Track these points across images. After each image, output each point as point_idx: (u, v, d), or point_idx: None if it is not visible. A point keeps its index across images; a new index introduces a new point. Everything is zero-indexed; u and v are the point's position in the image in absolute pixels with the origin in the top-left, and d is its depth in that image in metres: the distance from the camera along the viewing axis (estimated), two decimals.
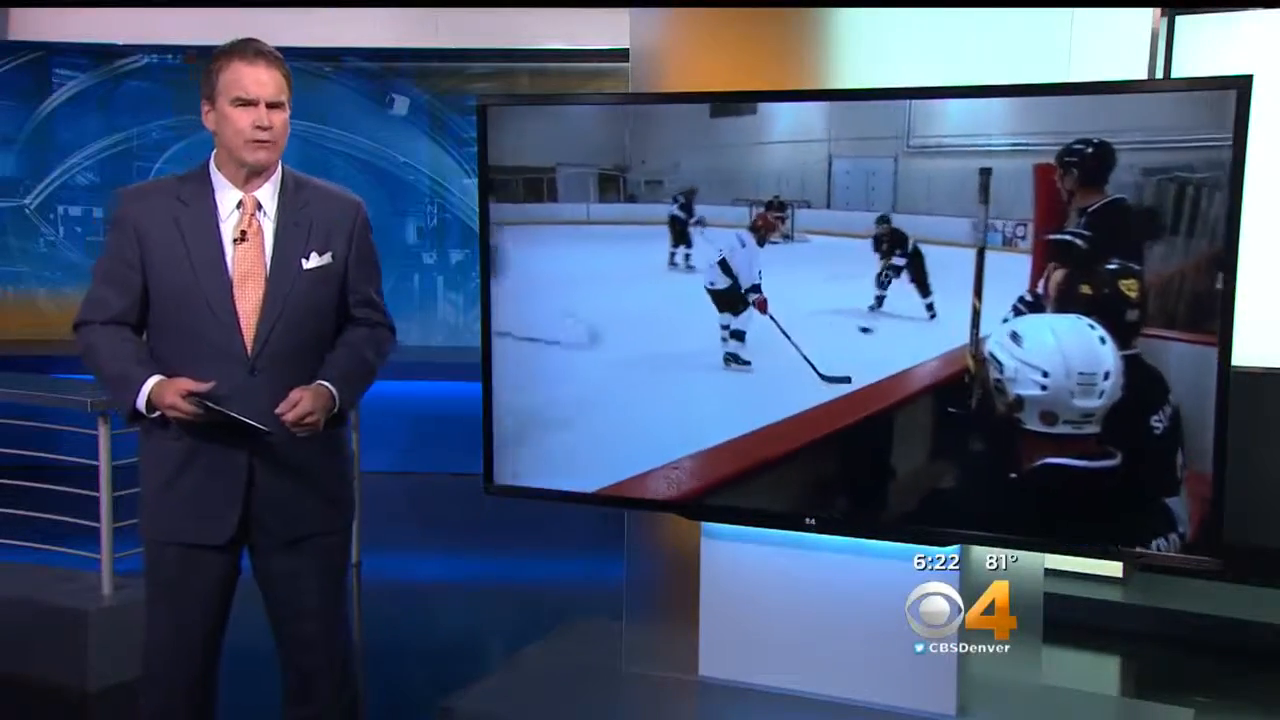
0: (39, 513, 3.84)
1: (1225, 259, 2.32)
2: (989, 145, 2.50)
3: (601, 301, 2.88)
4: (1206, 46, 4.19)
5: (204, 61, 2.44)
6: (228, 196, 2.42)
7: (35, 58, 7.02)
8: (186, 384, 2.31)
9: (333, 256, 2.47)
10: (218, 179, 2.43)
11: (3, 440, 4.03)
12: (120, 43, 6.98)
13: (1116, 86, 2.49)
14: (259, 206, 2.43)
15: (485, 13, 6.83)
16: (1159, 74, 4.14)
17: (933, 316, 2.59)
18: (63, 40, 7.01)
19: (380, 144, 6.98)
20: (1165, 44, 4.21)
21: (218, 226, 2.41)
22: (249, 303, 2.39)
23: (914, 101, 2.56)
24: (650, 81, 3.04)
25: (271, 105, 2.37)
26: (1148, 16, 4.09)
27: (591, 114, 2.96)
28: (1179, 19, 4.23)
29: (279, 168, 2.47)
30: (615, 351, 2.86)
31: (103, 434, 3.63)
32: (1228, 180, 2.29)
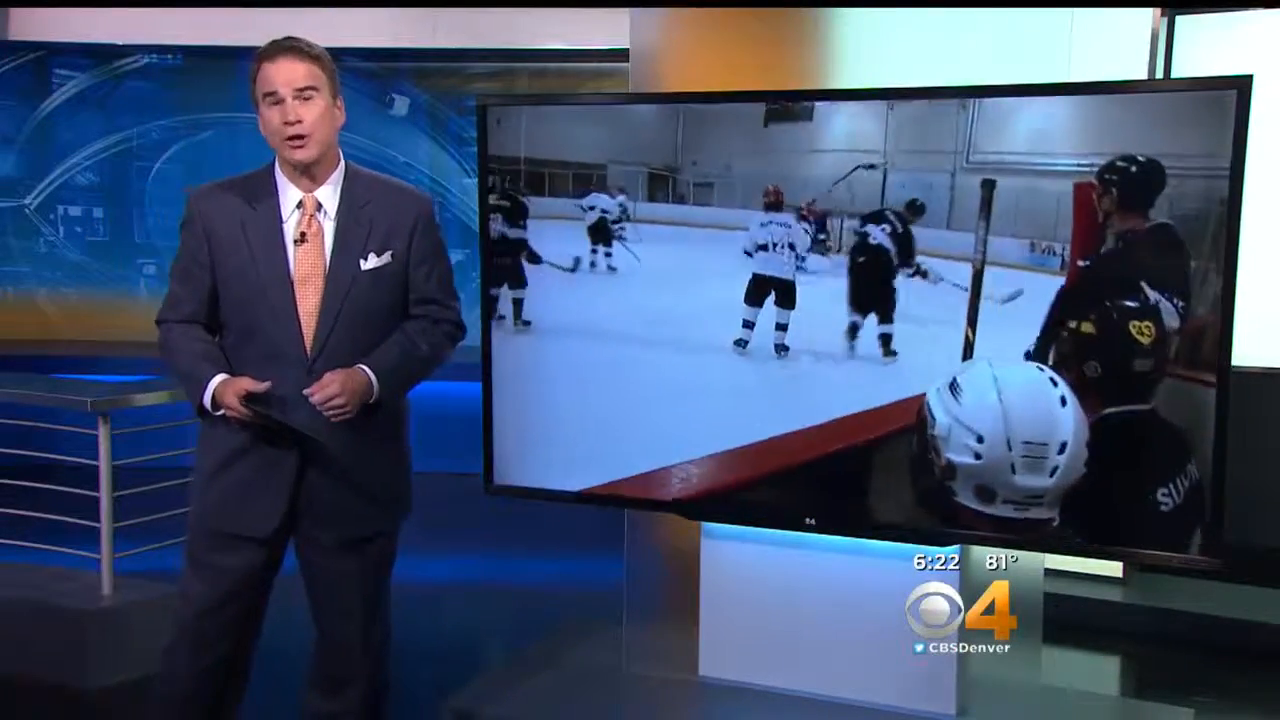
0: (39, 513, 3.83)
1: (1225, 261, 2.31)
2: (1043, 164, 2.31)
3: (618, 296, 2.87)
4: (1206, 46, 4.19)
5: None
6: (289, 197, 2.44)
7: (35, 58, 7.02)
8: (246, 384, 2.34)
9: (392, 256, 2.47)
10: (280, 179, 2.45)
11: (3, 440, 4.03)
12: (120, 43, 6.97)
13: (1116, 86, 2.49)
14: (319, 207, 2.44)
15: (485, 13, 6.82)
16: (1159, 74, 4.14)
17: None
18: (63, 40, 7.00)
19: (380, 144, 6.98)
20: (1165, 44, 4.21)
21: (280, 228, 2.42)
22: (309, 304, 2.40)
23: (979, 102, 2.40)
24: (650, 81, 3.04)
25: (301, 96, 2.36)
26: (1148, 16, 4.09)
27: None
28: (1179, 19, 4.23)
29: (341, 165, 2.48)
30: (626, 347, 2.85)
31: (103, 434, 3.63)
32: (1228, 180, 2.29)
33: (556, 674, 3.12)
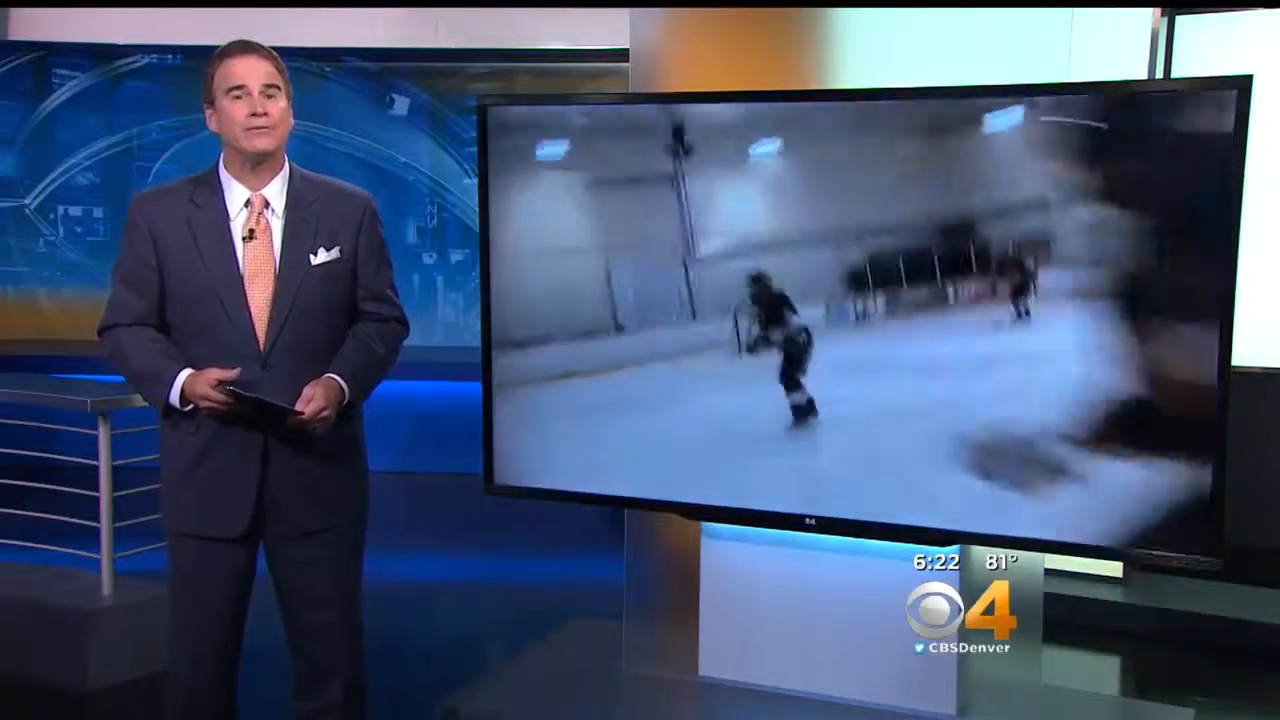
0: (39, 513, 3.83)
1: (1225, 261, 2.31)
2: None
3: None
4: (1206, 46, 4.19)
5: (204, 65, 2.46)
6: (236, 195, 2.46)
7: (35, 58, 7.02)
8: (216, 373, 2.36)
9: (340, 251, 2.50)
10: (226, 179, 2.47)
11: (3, 440, 4.03)
12: (120, 43, 6.98)
13: (1116, 86, 2.48)
14: (266, 204, 2.46)
15: (485, 13, 6.83)
16: (1159, 74, 4.14)
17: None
18: (63, 40, 7.01)
19: (380, 144, 6.98)
20: (1165, 44, 4.22)
21: (228, 226, 2.44)
22: (260, 300, 2.43)
23: None
24: (650, 81, 3.04)
25: (266, 93, 2.40)
26: (1148, 16, 4.09)
27: None
28: (1179, 19, 4.24)
29: (285, 165, 2.50)
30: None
31: (103, 434, 3.63)
32: (1228, 181, 2.29)
33: (556, 674, 3.12)
